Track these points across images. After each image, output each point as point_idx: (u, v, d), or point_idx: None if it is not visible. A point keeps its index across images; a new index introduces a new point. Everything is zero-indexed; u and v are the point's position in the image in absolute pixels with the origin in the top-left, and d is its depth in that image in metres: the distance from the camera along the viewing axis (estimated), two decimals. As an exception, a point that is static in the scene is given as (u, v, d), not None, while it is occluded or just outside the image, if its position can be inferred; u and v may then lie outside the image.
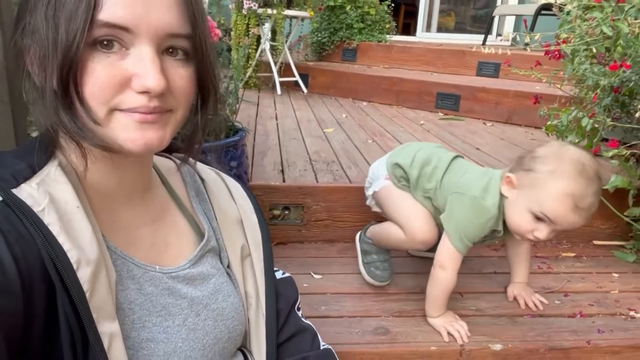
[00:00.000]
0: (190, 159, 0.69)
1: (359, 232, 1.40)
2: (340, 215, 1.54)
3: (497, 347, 1.05)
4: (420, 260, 1.44)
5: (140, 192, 0.62)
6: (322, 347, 0.80)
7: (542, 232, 1.01)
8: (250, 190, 0.79)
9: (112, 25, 0.46)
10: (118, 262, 0.57)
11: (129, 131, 0.49)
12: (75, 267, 0.47)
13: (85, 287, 0.48)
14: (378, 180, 1.31)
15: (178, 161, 0.71)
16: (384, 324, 1.11)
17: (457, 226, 1.08)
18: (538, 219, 1.01)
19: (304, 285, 1.27)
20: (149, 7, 0.47)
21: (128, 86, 0.48)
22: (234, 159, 1.22)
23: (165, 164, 0.70)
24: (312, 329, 0.81)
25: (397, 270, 1.36)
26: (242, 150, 1.31)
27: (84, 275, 0.48)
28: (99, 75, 0.47)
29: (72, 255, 0.47)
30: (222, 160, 1.16)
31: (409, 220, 1.20)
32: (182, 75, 0.52)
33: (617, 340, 1.07)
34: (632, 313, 1.20)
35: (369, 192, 1.35)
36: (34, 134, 0.55)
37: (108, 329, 0.49)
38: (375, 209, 1.37)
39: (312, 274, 1.33)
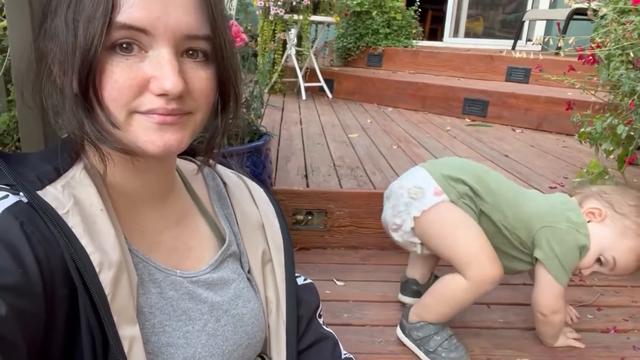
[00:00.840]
0: (212, 161, 0.69)
1: (398, 328, 1.08)
2: (364, 222, 1.52)
3: (526, 361, 1.01)
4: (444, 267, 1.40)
5: (163, 195, 0.62)
6: (343, 356, 0.78)
7: (589, 271, 1.00)
8: (273, 195, 0.78)
9: (129, 27, 0.46)
10: (140, 266, 0.57)
11: (148, 133, 0.49)
12: (97, 270, 0.47)
13: (107, 290, 0.47)
14: (424, 197, 1.02)
15: (199, 164, 0.71)
16: (408, 334, 1.08)
17: (561, 262, 0.98)
18: (599, 261, 0.99)
19: (327, 292, 1.25)
20: (166, 8, 0.47)
21: (147, 89, 0.48)
22: (257, 163, 1.22)
23: (189, 167, 0.70)
24: (334, 337, 0.79)
25: (421, 279, 1.33)
26: (266, 155, 1.31)
27: (106, 278, 0.48)
28: (118, 79, 0.47)
29: (95, 258, 0.47)
30: (244, 164, 1.16)
31: (479, 252, 0.98)
32: (201, 77, 0.51)
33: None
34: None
35: (412, 214, 1.02)
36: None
37: (129, 332, 0.48)
38: (413, 239, 1.05)
39: (334, 280, 1.32)
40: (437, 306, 1.03)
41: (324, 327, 0.78)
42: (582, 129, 1.60)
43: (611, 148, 1.52)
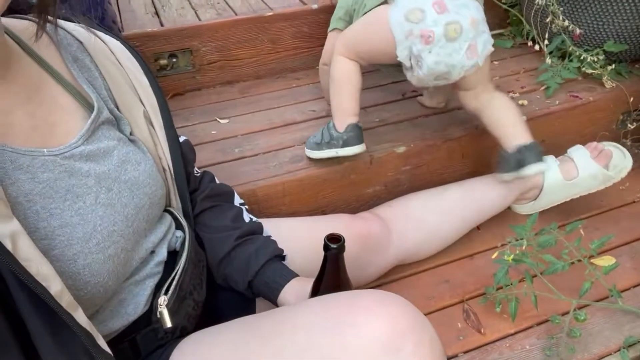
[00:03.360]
0: (52, 17, 0.57)
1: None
2: (233, 53, 1.45)
3: (401, 149, 1.15)
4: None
5: None
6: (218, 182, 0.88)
7: None
8: (133, 48, 0.70)
9: None
10: (-5, 156, 0.50)
11: None
12: None
13: None
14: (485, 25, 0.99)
15: (40, 22, 0.59)
16: (298, 152, 1.15)
17: None
18: None
19: (212, 132, 1.24)
20: None
21: None
22: (94, 8, 1.04)
23: (26, 28, 0.58)
24: (209, 173, 0.86)
25: (300, 99, 1.37)
26: (101, -4, 1.11)
27: None
28: None
29: None
30: (80, 11, 0.98)
31: None
32: None
33: (499, 121, 1.21)
34: (510, 94, 1.34)
35: (489, 48, 1.00)
36: None
37: (6, 229, 0.44)
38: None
39: (217, 119, 1.30)
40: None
41: (198, 173, 0.84)
42: None
43: None
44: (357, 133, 1.05)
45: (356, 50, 1.03)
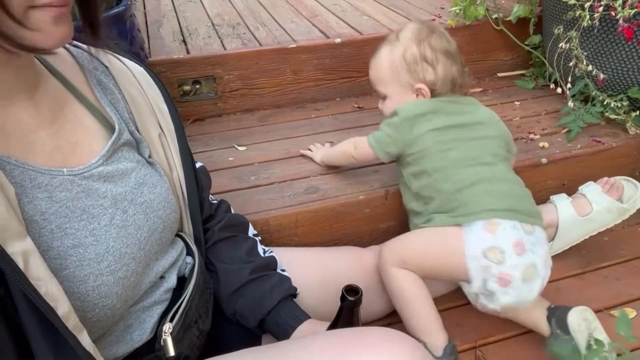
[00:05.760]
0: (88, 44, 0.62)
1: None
2: (255, 82, 1.47)
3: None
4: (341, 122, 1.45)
5: (25, 91, 0.54)
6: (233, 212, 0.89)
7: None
8: (155, 73, 0.71)
9: None
10: (16, 173, 0.51)
11: (46, 28, 0.46)
12: None
13: None
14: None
15: (72, 49, 0.63)
16: (314, 184, 1.15)
17: None
18: None
19: (230, 159, 1.25)
20: None
21: None
22: (123, 35, 1.08)
23: (58, 52, 0.61)
24: (226, 203, 0.87)
25: (319, 130, 1.37)
26: (131, 23, 1.15)
27: None
28: None
29: None
30: (109, 36, 1.02)
31: None
32: None
33: (519, 162, 1.20)
34: (531, 136, 1.33)
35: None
36: None
37: (19, 248, 0.44)
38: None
39: (236, 146, 1.31)
40: None
41: (214, 201, 0.86)
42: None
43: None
44: (456, 355, 0.90)
45: (416, 265, 0.91)
